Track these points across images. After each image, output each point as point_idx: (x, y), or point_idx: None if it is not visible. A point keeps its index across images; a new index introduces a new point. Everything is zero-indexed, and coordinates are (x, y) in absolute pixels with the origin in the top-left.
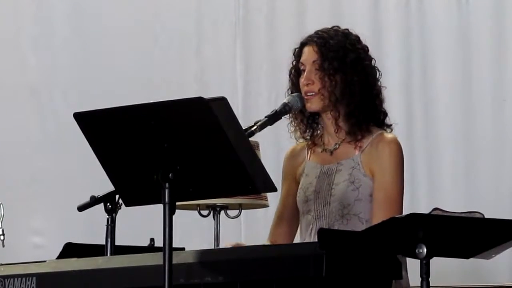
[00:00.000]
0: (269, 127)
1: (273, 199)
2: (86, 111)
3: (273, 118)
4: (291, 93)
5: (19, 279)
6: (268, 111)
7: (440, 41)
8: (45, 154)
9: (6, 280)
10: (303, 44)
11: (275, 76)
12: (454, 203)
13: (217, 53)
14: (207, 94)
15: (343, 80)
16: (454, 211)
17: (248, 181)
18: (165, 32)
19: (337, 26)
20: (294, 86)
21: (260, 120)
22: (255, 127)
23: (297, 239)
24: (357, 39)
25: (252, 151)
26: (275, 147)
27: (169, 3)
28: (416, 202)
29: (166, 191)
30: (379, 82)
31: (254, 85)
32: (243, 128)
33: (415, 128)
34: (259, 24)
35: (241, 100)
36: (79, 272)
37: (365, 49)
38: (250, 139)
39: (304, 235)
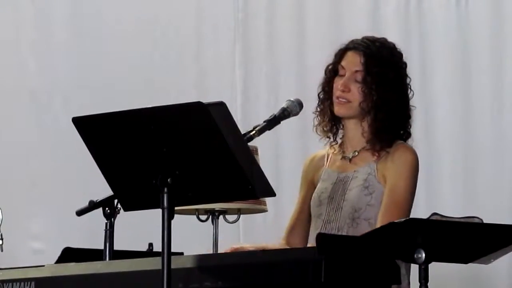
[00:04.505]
0: (268, 132)
1: (272, 204)
2: (85, 116)
3: (272, 123)
4: (320, 91)
5: (18, 283)
6: (267, 116)
7: (439, 44)
8: (44, 158)
9: (4, 284)
10: (347, 49)
11: (275, 81)
12: (453, 208)
13: (217, 58)
14: (206, 99)
15: (381, 96)
16: (453, 216)
17: (247, 186)
18: (164, 36)
19: (383, 38)
20: (327, 83)
21: (259, 125)
22: (254, 132)
23: None
24: (400, 55)
25: (251, 156)
26: (274, 152)
27: (168, 7)
28: (415, 207)
29: (165, 195)
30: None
31: (253, 90)
32: (242, 133)
33: (414, 131)
34: (258, 28)
35: (240, 104)
36: (78, 277)
37: (405, 66)
38: (249, 144)
39: (312, 239)
